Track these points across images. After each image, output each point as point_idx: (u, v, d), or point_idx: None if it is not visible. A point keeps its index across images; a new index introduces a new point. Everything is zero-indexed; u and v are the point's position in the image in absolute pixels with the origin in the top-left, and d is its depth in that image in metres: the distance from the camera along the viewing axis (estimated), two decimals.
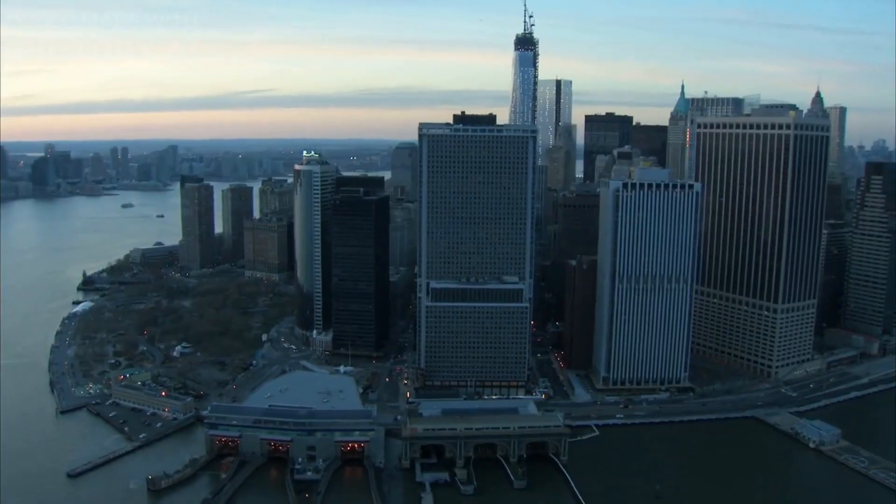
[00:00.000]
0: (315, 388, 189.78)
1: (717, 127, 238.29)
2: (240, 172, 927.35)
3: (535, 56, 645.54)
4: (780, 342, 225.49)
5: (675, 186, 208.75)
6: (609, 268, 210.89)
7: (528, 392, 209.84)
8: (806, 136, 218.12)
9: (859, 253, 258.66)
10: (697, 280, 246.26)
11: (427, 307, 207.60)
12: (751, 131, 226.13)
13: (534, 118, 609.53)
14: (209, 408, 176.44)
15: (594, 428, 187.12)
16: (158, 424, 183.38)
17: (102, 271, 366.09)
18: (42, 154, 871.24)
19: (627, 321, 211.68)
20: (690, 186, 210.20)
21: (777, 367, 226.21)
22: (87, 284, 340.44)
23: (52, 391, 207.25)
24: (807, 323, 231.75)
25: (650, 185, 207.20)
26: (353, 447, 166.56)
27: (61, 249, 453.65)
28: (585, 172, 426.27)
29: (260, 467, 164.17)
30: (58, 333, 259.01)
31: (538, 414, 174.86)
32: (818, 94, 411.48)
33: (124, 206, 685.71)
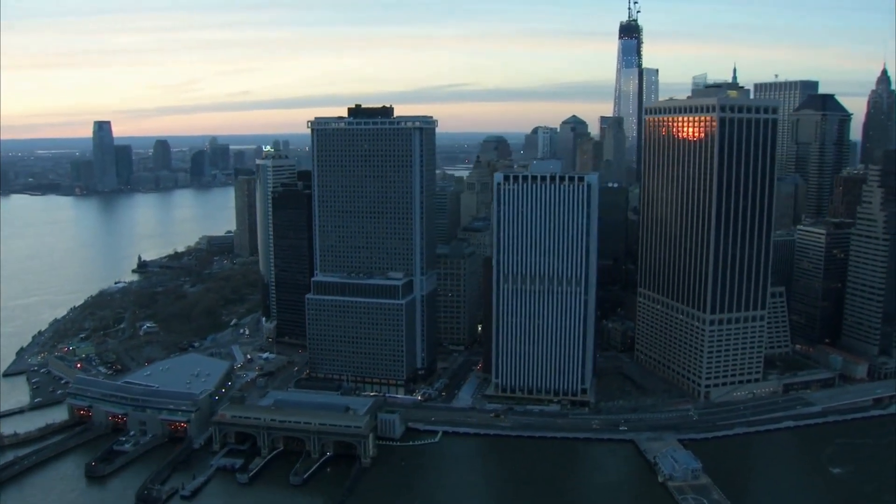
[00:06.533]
0: (190, 371, 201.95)
1: (660, 112, 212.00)
2: None
3: (639, 44, 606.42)
4: (709, 358, 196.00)
5: (563, 179, 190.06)
6: (494, 265, 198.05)
7: (410, 392, 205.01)
8: (736, 120, 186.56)
9: (856, 257, 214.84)
10: (644, 283, 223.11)
11: (307, 299, 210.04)
12: (679, 116, 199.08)
13: (619, 109, 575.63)
14: (74, 379, 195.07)
15: (437, 434, 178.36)
16: (58, 392, 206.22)
17: (164, 256, 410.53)
18: (202, 147, 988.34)
19: (512, 324, 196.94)
20: (581, 179, 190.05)
21: (707, 385, 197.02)
22: (141, 268, 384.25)
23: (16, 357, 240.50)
24: (753, 338, 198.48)
25: (534, 178, 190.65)
26: (177, 426, 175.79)
27: (161, 235, 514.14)
28: None
29: (100, 436, 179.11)
30: (72, 308, 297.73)
31: (345, 414, 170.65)
32: (884, 73, 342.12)
33: None
